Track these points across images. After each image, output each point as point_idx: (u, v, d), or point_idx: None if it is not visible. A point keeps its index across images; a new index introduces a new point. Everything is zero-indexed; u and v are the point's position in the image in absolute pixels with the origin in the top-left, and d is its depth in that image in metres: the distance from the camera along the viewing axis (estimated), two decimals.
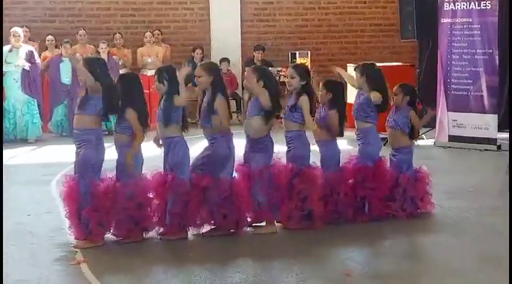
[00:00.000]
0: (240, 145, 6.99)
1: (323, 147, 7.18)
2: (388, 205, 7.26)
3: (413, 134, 7.51)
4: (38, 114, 12.56)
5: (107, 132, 9.94)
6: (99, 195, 6.37)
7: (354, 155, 7.32)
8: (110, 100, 6.45)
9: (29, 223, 7.25)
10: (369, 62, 7.63)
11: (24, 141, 12.29)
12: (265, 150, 6.85)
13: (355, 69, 7.49)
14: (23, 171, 9.86)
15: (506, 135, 10.99)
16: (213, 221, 6.71)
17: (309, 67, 13.84)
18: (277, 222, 6.97)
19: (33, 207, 7.86)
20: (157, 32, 14.53)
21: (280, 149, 7.05)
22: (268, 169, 6.79)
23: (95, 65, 6.54)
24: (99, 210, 6.38)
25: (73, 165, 6.66)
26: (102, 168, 6.51)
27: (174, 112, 6.56)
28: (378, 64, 7.63)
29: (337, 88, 7.21)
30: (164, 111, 6.58)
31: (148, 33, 14.30)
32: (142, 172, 6.62)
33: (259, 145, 6.85)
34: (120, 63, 13.53)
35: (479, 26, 11.27)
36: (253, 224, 6.95)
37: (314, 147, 7.17)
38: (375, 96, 7.13)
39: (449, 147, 11.54)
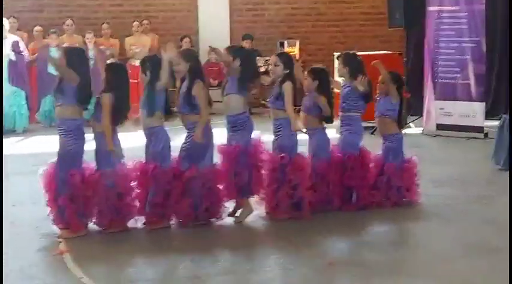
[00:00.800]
0: (221, 134, 6.99)
1: (312, 135, 7.17)
2: (372, 193, 7.27)
3: (400, 122, 7.53)
4: (25, 105, 12.54)
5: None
6: (76, 185, 6.38)
7: (335, 144, 7.31)
8: (83, 90, 6.47)
9: (14, 213, 7.23)
10: (351, 52, 7.61)
11: (11, 132, 12.25)
12: (244, 129, 6.84)
13: (337, 58, 7.49)
14: (10, 161, 9.80)
15: (493, 123, 11.01)
16: (194, 214, 6.69)
17: (297, 57, 13.94)
18: (266, 213, 6.99)
19: (19, 196, 7.86)
20: (145, 21, 14.48)
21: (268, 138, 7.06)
22: (249, 149, 6.81)
23: (72, 55, 6.53)
24: (77, 199, 6.39)
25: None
26: (83, 158, 6.52)
27: (156, 102, 6.55)
28: (366, 53, 7.58)
29: (322, 76, 7.19)
30: (146, 100, 6.58)
31: (135, 23, 14.26)
32: (124, 161, 6.62)
33: (237, 125, 6.83)
34: (107, 53, 13.48)
35: (467, 14, 11.29)
36: (233, 215, 6.97)
37: (302, 136, 7.18)
38: (360, 85, 7.10)
39: (437, 135, 11.56)
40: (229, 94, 6.85)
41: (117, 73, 6.67)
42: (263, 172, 6.93)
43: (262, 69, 13.93)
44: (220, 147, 6.86)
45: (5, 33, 12.38)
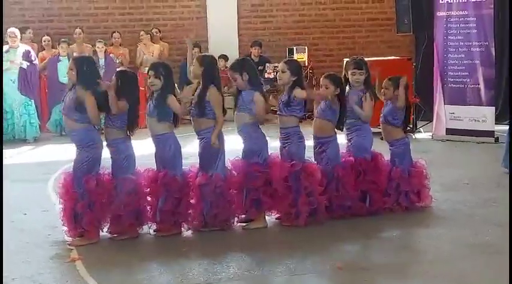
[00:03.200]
0: (233, 140, 7.00)
1: (325, 144, 7.10)
2: (384, 199, 7.26)
3: (406, 127, 7.54)
4: (36, 114, 12.61)
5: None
6: (92, 190, 6.37)
7: (346, 149, 7.30)
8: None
9: (25, 221, 7.27)
10: (358, 57, 7.56)
11: (22, 141, 12.34)
12: (251, 137, 6.82)
13: (357, 63, 7.36)
14: (21, 170, 9.88)
15: (503, 127, 10.99)
16: (203, 220, 6.70)
17: (306, 63, 13.93)
18: (277, 219, 7.01)
19: (30, 205, 7.88)
20: (155, 30, 14.55)
21: (272, 144, 7.06)
22: (262, 164, 6.79)
23: (83, 64, 6.51)
24: (94, 205, 6.40)
25: (72, 163, 6.65)
26: (101, 166, 6.53)
27: (166, 109, 6.55)
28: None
29: (342, 84, 7.14)
30: (156, 107, 6.57)
31: (142, 32, 14.31)
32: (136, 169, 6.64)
33: (247, 135, 6.81)
34: (117, 62, 13.55)
35: (475, 18, 11.29)
36: (244, 221, 6.95)
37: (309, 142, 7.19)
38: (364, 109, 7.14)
39: (447, 140, 11.55)
40: (242, 112, 6.82)
41: (128, 81, 6.64)
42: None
43: (271, 76, 14.00)
44: (232, 162, 6.85)
45: (16, 43, 12.48)
